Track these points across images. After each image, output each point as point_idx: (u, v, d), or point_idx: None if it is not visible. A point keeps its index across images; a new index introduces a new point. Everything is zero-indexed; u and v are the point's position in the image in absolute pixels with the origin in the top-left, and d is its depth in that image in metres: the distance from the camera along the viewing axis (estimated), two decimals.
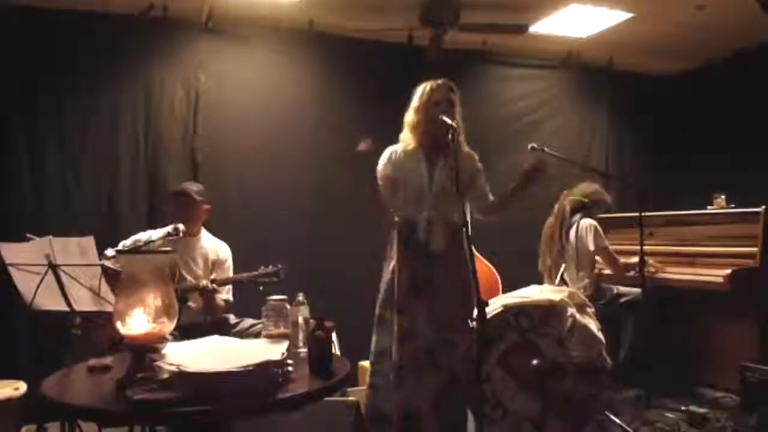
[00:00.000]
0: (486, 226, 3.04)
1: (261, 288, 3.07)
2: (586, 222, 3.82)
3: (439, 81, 2.76)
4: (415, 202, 2.72)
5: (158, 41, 4.08)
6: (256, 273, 3.16)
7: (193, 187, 3.32)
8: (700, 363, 4.07)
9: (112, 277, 2.45)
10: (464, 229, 2.25)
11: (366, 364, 3.83)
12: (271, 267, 3.16)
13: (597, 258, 3.91)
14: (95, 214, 3.86)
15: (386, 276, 2.81)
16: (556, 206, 3.97)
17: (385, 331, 2.76)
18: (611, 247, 3.92)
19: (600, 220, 3.97)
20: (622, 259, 3.95)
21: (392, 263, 2.77)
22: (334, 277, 4.11)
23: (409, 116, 2.79)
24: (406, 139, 2.79)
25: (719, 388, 3.87)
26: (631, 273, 3.82)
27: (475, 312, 2.07)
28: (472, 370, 2.55)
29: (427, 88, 2.75)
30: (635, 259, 3.63)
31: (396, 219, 2.79)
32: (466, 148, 2.83)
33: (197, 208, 3.25)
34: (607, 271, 4.05)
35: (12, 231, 3.33)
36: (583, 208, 3.90)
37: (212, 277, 3.14)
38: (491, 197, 2.88)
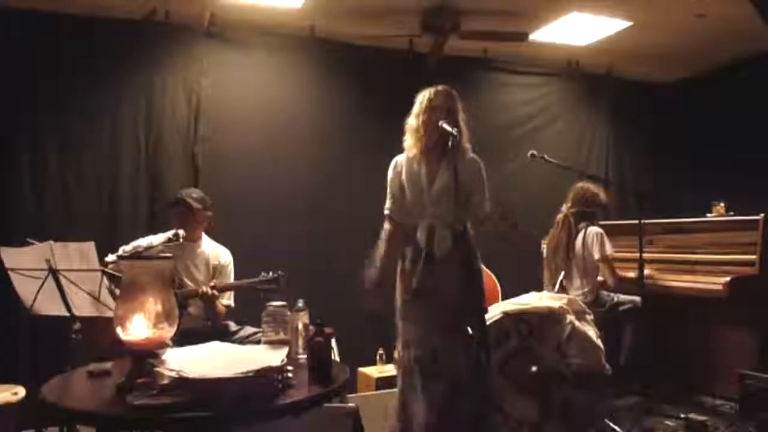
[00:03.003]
0: (485, 233, 3.03)
1: (261, 295, 3.05)
2: (593, 230, 3.81)
3: (440, 87, 2.77)
4: (416, 208, 2.72)
5: (160, 46, 4.09)
6: (256, 280, 3.14)
7: (194, 194, 3.27)
8: (699, 370, 4.07)
9: (114, 281, 2.46)
10: (463, 234, 2.26)
11: (366, 370, 3.85)
12: (271, 273, 3.14)
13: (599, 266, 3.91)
14: (96, 217, 3.86)
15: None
16: (559, 218, 3.94)
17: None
18: (615, 254, 3.92)
19: (600, 228, 3.97)
20: (621, 272, 3.94)
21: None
22: (335, 283, 4.10)
23: (410, 121, 2.80)
24: (409, 145, 2.80)
25: (718, 396, 3.87)
26: (631, 274, 3.83)
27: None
28: (473, 375, 2.55)
29: (428, 94, 2.76)
30: (632, 274, 3.62)
31: (388, 225, 2.79)
32: (470, 154, 2.79)
33: (195, 216, 3.21)
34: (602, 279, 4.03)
35: (13, 232, 3.34)
36: (587, 216, 3.89)
37: (213, 282, 3.14)
38: (482, 217, 2.75)
